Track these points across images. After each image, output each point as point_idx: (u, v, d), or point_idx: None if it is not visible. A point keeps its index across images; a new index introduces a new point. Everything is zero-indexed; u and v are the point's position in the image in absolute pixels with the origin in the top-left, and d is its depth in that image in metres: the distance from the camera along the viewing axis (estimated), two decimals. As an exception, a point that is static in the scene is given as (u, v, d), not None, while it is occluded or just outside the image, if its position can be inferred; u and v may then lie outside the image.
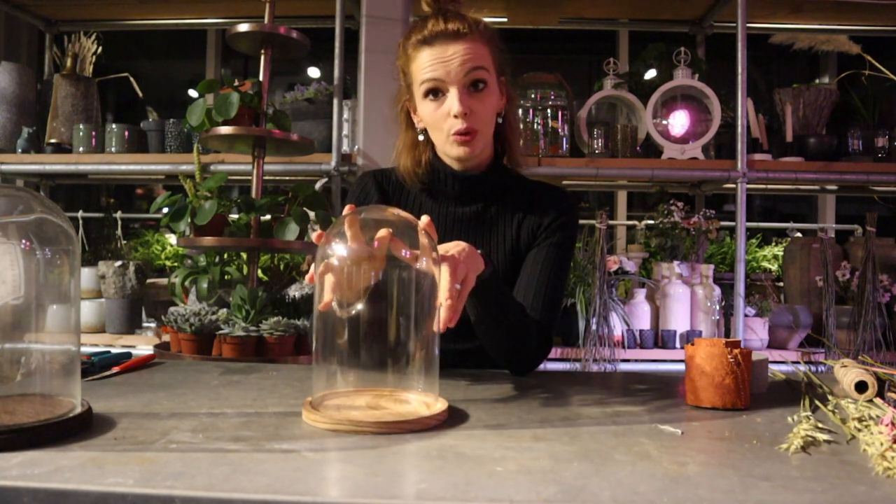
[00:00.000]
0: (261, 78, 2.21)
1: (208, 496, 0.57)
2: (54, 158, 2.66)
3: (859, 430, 0.79)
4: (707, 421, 0.87)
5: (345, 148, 2.51)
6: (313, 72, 4.27)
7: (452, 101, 1.17)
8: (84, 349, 1.28)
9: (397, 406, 0.88)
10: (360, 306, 0.86)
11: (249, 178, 2.25)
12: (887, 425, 0.74)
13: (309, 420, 0.82)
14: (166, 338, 2.07)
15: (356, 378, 0.92)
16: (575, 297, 2.40)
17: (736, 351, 0.93)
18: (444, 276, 0.89)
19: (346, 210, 0.88)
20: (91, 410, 0.79)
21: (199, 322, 1.86)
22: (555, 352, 2.37)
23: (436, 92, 1.19)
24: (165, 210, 2.10)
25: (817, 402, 0.95)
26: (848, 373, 0.99)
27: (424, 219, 0.90)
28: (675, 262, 2.47)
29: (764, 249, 3.29)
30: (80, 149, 2.64)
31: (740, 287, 2.40)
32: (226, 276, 2.06)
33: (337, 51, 2.45)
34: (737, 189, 2.43)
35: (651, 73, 2.72)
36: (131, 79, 3.00)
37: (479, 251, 1.03)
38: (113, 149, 2.64)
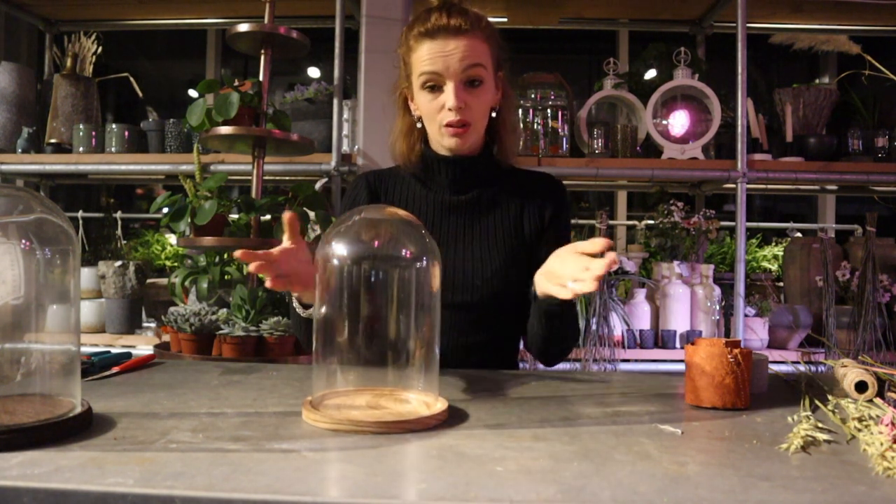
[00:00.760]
0: (261, 78, 2.21)
1: (208, 496, 0.57)
2: (54, 158, 2.66)
3: (859, 430, 0.79)
4: (707, 421, 0.87)
5: (345, 148, 2.51)
6: (313, 72, 4.27)
7: (448, 94, 1.21)
8: (84, 349, 1.28)
9: (397, 406, 0.88)
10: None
11: (249, 178, 2.25)
12: (887, 425, 0.74)
13: (309, 420, 0.82)
14: (166, 338, 2.07)
15: (356, 377, 0.92)
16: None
17: (736, 351, 0.93)
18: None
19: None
20: (91, 410, 0.79)
21: (199, 322, 1.86)
22: (555, 352, 2.37)
23: (433, 85, 1.22)
24: (165, 210, 2.10)
25: (817, 402, 0.95)
26: (848, 373, 0.99)
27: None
28: (675, 262, 2.47)
29: (764, 249, 3.29)
30: (80, 149, 2.64)
31: (740, 287, 2.40)
32: (226, 276, 2.07)
33: (337, 51, 2.45)
34: (737, 189, 2.43)
35: (651, 73, 2.72)
36: (131, 79, 3.00)
37: None
38: (113, 149, 2.64)
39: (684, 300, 2.44)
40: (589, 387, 1.10)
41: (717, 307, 2.45)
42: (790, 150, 2.54)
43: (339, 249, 0.86)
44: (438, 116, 1.23)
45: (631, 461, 0.69)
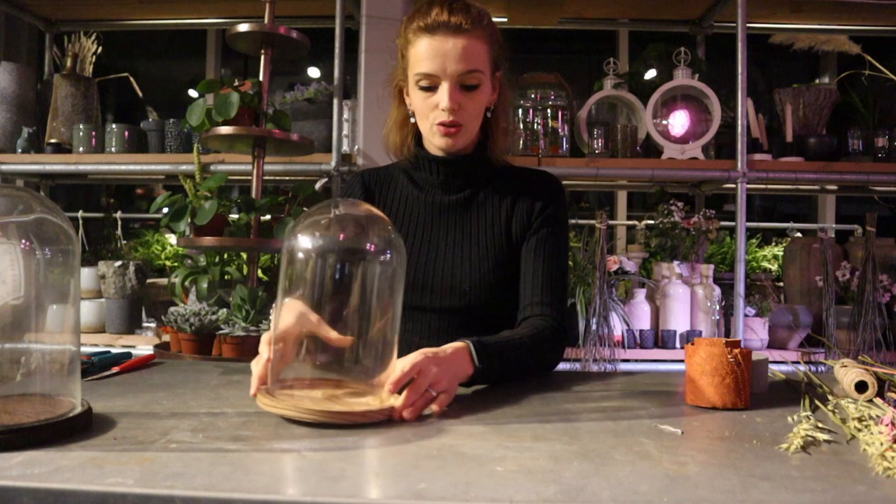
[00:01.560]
0: (261, 78, 2.21)
1: (208, 496, 0.57)
2: (54, 158, 2.66)
3: (859, 430, 0.79)
4: (707, 421, 0.87)
5: (345, 148, 2.51)
6: (313, 72, 4.27)
7: (443, 95, 1.18)
8: (84, 349, 1.28)
9: (352, 398, 0.88)
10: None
11: (249, 178, 2.25)
12: (887, 425, 0.74)
13: (261, 404, 0.83)
14: (166, 338, 2.07)
15: (317, 369, 0.93)
16: (575, 297, 2.40)
17: (736, 351, 0.93)
18: (398, 368, 0.88)
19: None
20: (91, 410, 0.79)
21: (199, 322, 1.86)
22: (555, 352, 2.37)
23: (428, 84, 1.20)
24: (165, 210, 2.10)
25: (817, 402, 0.95)
26: (848, 373, 0.99)
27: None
28: (675, 262, 2.47)
29: (764, 249, 3.29)
30: (80, 149, 2.64)
31: (740, 287, 2.40)
32: (226, 276, 2.07)
33: (337, 51, 2.45)
34: (737, 189, 2.43)
35: (651, 73, 2.72)
36: (131, 79, 3.00)
37: (462, 356, 0.99)
38: (113, 149, 2.64)
39: (684, 300, 2.44)
40: (589, 387, 1.10)
41: (717, 307, 2.45)
42: (790, 150, 2.54)
43: (303, 243, 0.87)
44: (431, 115, 1.21)
45: (631, 461, 0.69)
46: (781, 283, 2.78)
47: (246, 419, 0.82)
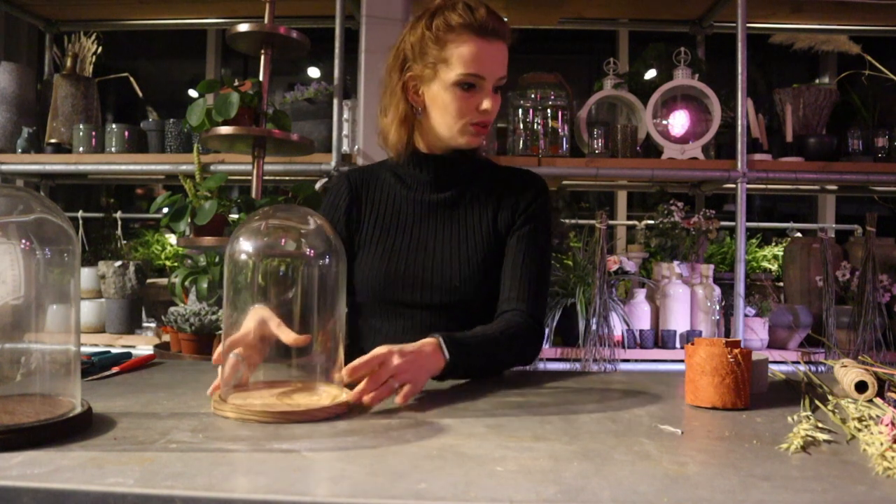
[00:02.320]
0: (261, 78, 2.21)
1: (208, 496, 0.57)
2: (54, 158, 2.66)
3: (859, 430, 0.79)
4: (707, 421, 0.87)
5: (345, 148, 2.51)
6: (313, 72, 4.27)
7: (486, 97, 1.21)
8: (84, 349, 1.27)
9: (305, 397, 0.90)
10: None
11: (249, 178, 2.25)
12: (887, 425, 0.74)
13: (214, 410, 0.85)
14: (166, 338, 2.07)
15: (271, 371, 0.96)
16: (575, 297, 2.40)
17: (736, 351, 0.93)
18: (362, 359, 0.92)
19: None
20: (91, 410, 0.79)
21: (199, 322, 1.86)
22: (555, 352, 2.37)
23: (471, 84, 1.21)
24: (165, 210, 2.10)
25: (817, 402, 0.95)
26: (848, 373, 0.99)
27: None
28: (675, 262, 2.47)
29: (764, 249, 3.29)
30: (80, 149, 2.64)
31: (740, 287, 2.40)
32: (226, 276, 2.06)
33: (337, 51, 2.45)
34: (737, 189, 2.43)
35: (651, 73, 2.72)
36: (131, 79, 3.00)
37: (431, 350, 1.01)
38: (113, 149, 2.64)
39: (684, 300, 2.44)
40: (589, 387, 1.10)
41: (717, 307, 2.45)
42: (790, 150, 2.54)
43: (245, 247, 0.90)
44: (468, 115, 1.22)
45: (631, 461, 0.69)
46: (781, 283, 2.78)
47: (246, 419, 0.82)
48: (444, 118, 1.24)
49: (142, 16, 3.22)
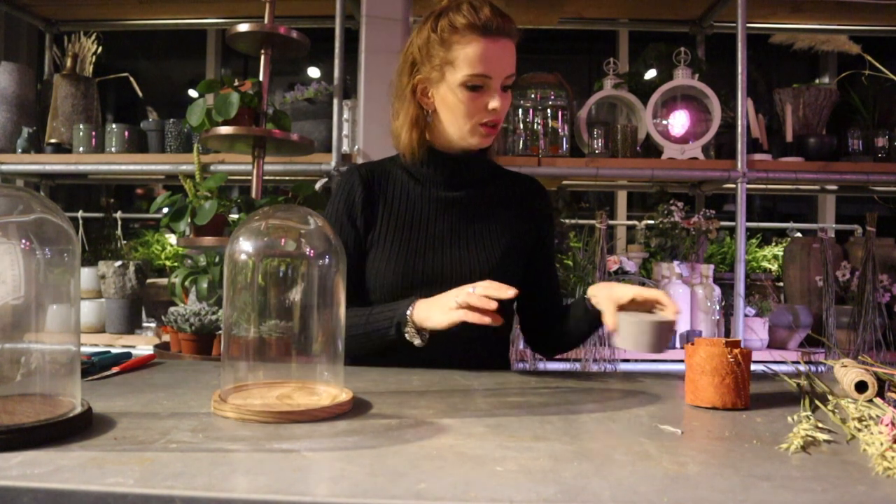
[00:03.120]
0: (261, 78, 2.21)
1: (208, 496, 0.57)
2: (54, 158, 2.66)
3: (859, 430, 0.79)
4: (707, 421, 0.87)
5: (345, 148, 2.51)
6: (313, 72, 4.27)
7: (495, 97, 1.22)
8: (84, 349, 1.28)
9: (305, 397, 0.91)
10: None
11: (249, 178, 2.25)
12: (887, 425, 0.74)
13: (214, 410, 0.85)
14: (166, 338, 2.07)
15: (268, 372, 0.96)
16: (575, 297, 2.40)
17: (736, 351, 0.93)
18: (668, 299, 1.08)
19: None
20: (91, 410, 0.79)
21: (199, 322, 1.86)
22: (555, 352, 2.37)
23: (479, 85, 1.21)
24: (165, 210, 2.10)
25: (817, 402, 0.95)
26: (848, 373, 0.99)
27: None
28: (675, 262, 2.47)
29: (764, 249, 3.29)
30: (80, 149, 2.64)
31: (740, 287, 2.40)
32: (226, 276, 2.06)
33: (337, 51, 2.45)
34: (737, 189, 2.43)
35: (651, 73, 2.72)
36: (131, 79, 3.00)
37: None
38: (113, 149, 2.64)
39: (684, 300, 2.44)
40: (589, 387, 1.10)
41: (717, 307, 2.45)
42: (790, 150, 2.54)
43: (245, 247, 0.90)
44: (477, 115, 1.23)
45: (631, 461, 0.69)
46: (781, 283, 2.78)
47: (246, 419, 0.82)
48: (454, 119, 1.25)
49: (142, 16, 3.22)
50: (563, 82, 2.57)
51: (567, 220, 2.72)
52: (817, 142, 2.53)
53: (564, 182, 2.94)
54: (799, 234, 3.05)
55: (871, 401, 0.93)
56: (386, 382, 1.07)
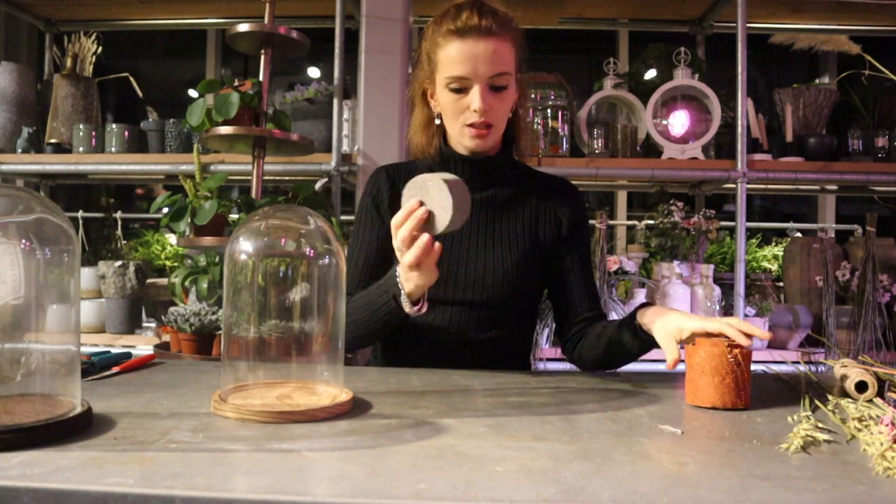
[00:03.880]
0: (261, 78, 2.21)
1: (208, 496, 0.57)
2: (54, 158, 2.66)
3: (859, 430, 0.79)
4: (707, 421, 0.87)
5: (345, 148, 2.51)
6: (313, 72, 4.27)
7: (475, 97, 1.20)
8: (84, 349, 1.27)
9: (305, 397, 0.91)
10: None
11: (249, 178, 2.25)
12: (887, 425, 0.74)
13: (214, 410, 0.85)
14: (166, 338, 2.07)
15: (268, 371, 0.96)
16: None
17: (736, 351, 0.93)
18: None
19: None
20: (91, 410, 0.79)
21: (199, 322, 1.86)
22: (554, 352, 2.37)
23: (459, 86, 1.21)
24: (165, 210, 2.10)
25: (817, 402, 0.95)
26: (848, 373, 0.99)
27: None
28: (675, 262, 2.47)
29: (764, 249, 3.29)
30: (80, 149, 2.64)
31: (740, 287, 2.40)
32: (226, 276, 2.06)
33: (337, 51, 2.45)
34: (737, 189, 2.43)
35: (651, 74, 2.72)
36: (131, 79, 3.00)
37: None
38: (113, 149, 2.64)
39: (684, 300, 2.44)
40: (589, 387, 1.10)
41: (717, 307, 2.45)
42: (790, 150, 2.54)
43: (245, 247, 0.90)
44: (462, 116, 1.23)
45: (631, 461, 0.69)
46: (781, 283, 2.78)
47: (246, 419, 0.82)
48: (447, 121, 1.27)
49: (142, 16, 3.21)
50: (563, 82, 2.57)
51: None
52: (817, 142, 2.53)
53: (564, 182, 2.94)
54: (799, 234, 3.05)
55: (871, 401, 0.93)
56: (386, 382, 1.07)
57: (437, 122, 1.30)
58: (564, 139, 2.55)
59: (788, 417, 0.89)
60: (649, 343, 1.16)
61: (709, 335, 1.01)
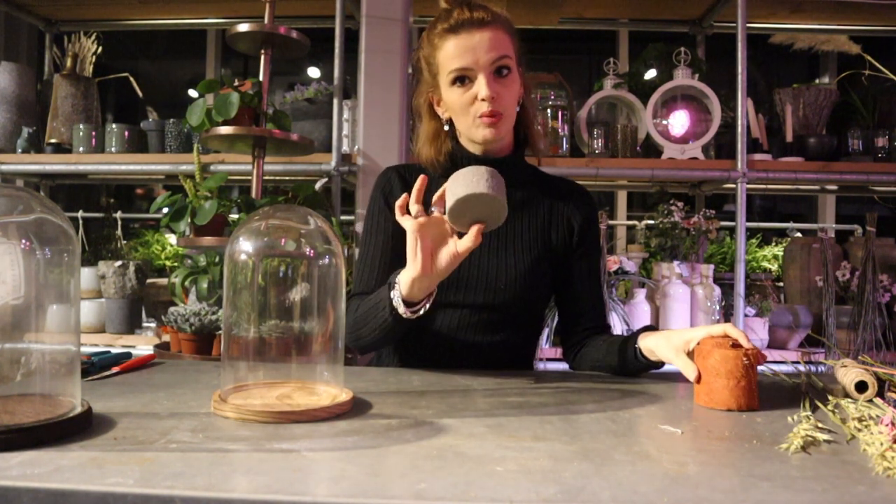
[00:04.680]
0: (261, 78, 2.21)
1: (208, 496, 0.57)
2: (54, 158, 2.66)
3: (859, 430, 0.79)
4: (707, 421, 0.87)
5: (345, 148, 2.51)
6: (313, 72, 4.27)
7: (480, 85, 1.20)
8: (84, 349, 1.28)
9: (305, 397, 0.91)
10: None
11: (249, 178, 2.25)
12: (887, 425, 0.74)
13: (214, 410, 0.85)
14: (166, 338, 2.07)
15: (268, 371, 0.96)
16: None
17: (751, 353, 0.94)
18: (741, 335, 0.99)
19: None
20: (91, 410, 0.79)
21: (199, 322, 1.86)
22: (555, 352, 2.37)
23: (463, 79, 1.21)
24: (165, 210, 2.10)
25: (817, 402, 0.95)
26: (848, 373, 0.99)
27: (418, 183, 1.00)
28: (675, 262, 2.47)
29: (764, 249, 3.29)
30: (80, 149, 2.64)
31: (740, 287, 2.40)
32: (226, 276, 2.06)
33: (337, 51, 2.45)
34: (737, 189, 2.43)
35: (651, 73, 2.72)
36: (131, 79, 3.00)
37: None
38: (113, 149, 2.64)
39: (684, 300, 2.44)
40: (589, 387, 1.10)
41: (717, 307, 2.45)
42: (790, 150, 2.54)
43: (245, 247, 0.90)
44: (472, 109, 1.22)
45: (631, 461, 0.69)
46: (781, 283, 2.78)
47: (246, 419, 0.82)
48: (458, 120, 1.26)
49: (142, 16, 3.21)
50: (563, 82, 2.57)
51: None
52: (817, 142, 2.53)
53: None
54: (799, 234, 3.05)
55: (871, 401, 0.93)
56: (386, 382, 1.07)
57: (447, 128, 1.30)
58: (564, 139, 2.55)
59: (788, 417, 0.89)
60: (649, 366, 1.16)
61: (712, 337, 1.01)
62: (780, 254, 3.12)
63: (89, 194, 4.07)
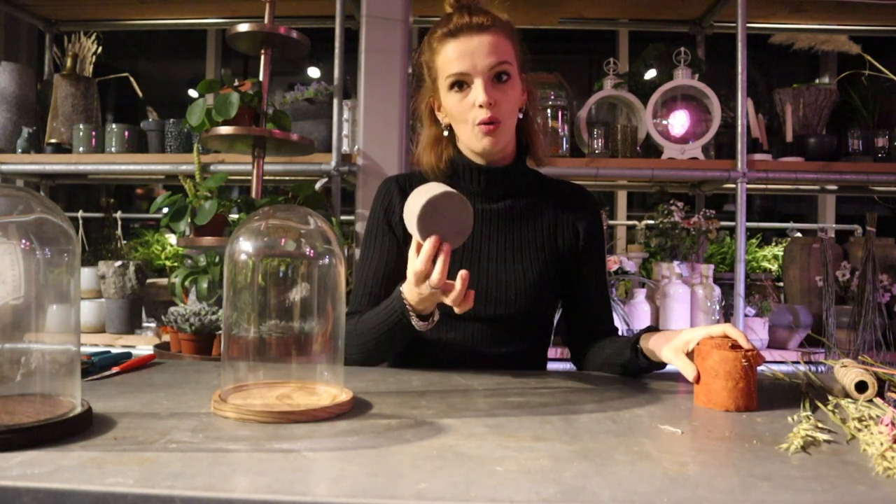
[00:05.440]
0: (261, 78, 2.21)
1: (208, 496, 0.57)
2: (54, 158, 2.66)
3: (859, 430, 0.79)
4: (707, 421, 0.87)
5: (345, 148, 2.51)
6: (313, 72, 4.27)
7: (478, 91, 1.18)
8: (84, 349, 1.28)
9: (305, 397, 0.91)
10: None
11: (249, 178, 2.25)
12: (887, 425, 0.74)
13: (215, 410, 0.85)
14: (166, 338, 2.07)
15: (268, 372, 0.96)
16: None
17: (750, 355, 0.93)
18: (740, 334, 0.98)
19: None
20: (91, 410, 0.79)
21: (199, 322, 1.86)
22: (554, 352, 2.37)
23: (461, 84, 1.20)
24: (165, 210, 2.10)
25: (817, 402, 0.95)
26: (848, 373, 0.99)
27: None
28: (675, 262, 2.47)
29: (764, 249, 3.29)
30: (80, 149, 2.64)
31: (740, 287, 2.40)
32: (226, 276, 2.06)
33: (337, 51, 2.45)
34: (737, 189, 2.43)
35: (651, 73, 2.72)
36: (131, 79, 3.00)
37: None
38: (113, 149, 2.64)
39: (684, 300, 2.44)
40: (589, 387, 1.10)
41: (717, 307, 2.45)
42: (790, 150, 2.54)
43: (245, 247, 0.90)
44: (469, 115, 1.20)
45: (631, 461, 0.69)
46: (781, 283, 2.78)
47: (246, 419, 0.82)
48: (457, 127, 1.25)
49: (142, 16, 3.22)
50: (563, 82, 2.57)
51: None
52: (817, 142, 2.53)
53: (564, 182, 2.94)
54: (799, 234, 3.05)
55: (871, 401, 0.93)
56: (386, 382, 1.07)
57: (446, 133, 1.28)
58: (564, 139, 2.55)
59: (788, 417, 0.89)
60: (651, 367, 1.16)
61: (711, 338, 1.01)
62: (780, 254, 3.12)
63: (89, 194, 4.07)
